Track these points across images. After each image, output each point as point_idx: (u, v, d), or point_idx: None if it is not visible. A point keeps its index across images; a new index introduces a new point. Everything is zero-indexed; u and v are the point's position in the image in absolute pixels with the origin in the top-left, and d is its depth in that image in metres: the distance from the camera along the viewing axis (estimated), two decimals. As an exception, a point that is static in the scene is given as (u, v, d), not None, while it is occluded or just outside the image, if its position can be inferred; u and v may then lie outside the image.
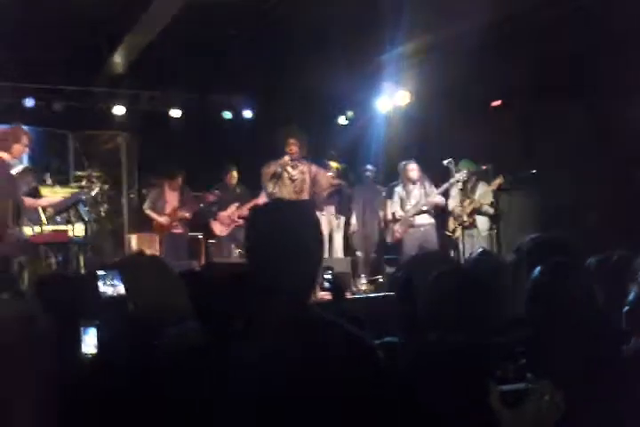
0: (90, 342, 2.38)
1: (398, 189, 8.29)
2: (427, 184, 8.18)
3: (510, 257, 3.63)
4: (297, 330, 1.72)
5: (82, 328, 2.38)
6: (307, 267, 1.79)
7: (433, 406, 1.98)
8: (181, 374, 1.93)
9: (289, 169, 6.84)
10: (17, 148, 6.07)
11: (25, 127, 6.41)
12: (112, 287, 2.39)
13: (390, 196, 8.46)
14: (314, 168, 6.89)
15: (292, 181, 6.81)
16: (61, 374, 2.10)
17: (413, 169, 8.12)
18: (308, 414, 1.63)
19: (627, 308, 2.29)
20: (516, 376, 1.95)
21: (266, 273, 1.76)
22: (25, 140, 6.12)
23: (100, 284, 2.43)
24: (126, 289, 2.31)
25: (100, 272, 2.43)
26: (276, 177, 6.84)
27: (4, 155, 6.03)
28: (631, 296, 2.29)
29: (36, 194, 7.33)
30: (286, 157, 6.81)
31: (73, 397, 2.03)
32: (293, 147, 6.81)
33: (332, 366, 1.67)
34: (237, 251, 8.68)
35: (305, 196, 6.82)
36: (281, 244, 1.72)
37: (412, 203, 8.13)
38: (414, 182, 8.16)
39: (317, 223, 1.84)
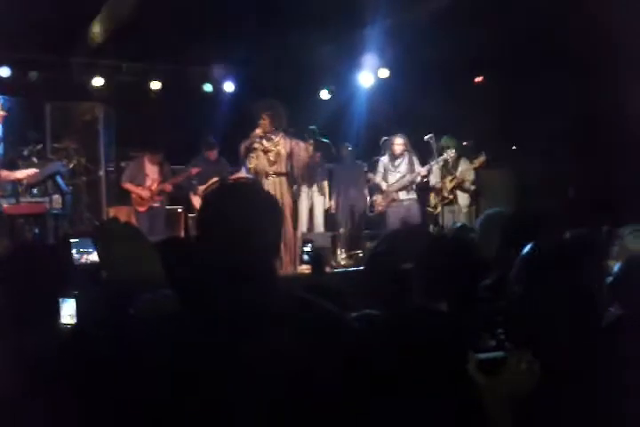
0: (67, 313, 2.35)
1: (384, 160, 8.24)
2: (414, 158, 8.13)
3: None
4: (263, 307, 1.70)
5: (59, 299, 2.35)
6: (263, 248, 1.76)
7: (413, 376, 1.98)
8: (156, 341, 1.91)
9: (263, 142, 6.73)
10: None
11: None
12: (85, 255, 2.36)
13: (374, 168, 8.44)
14: (291, 141, 6.78)
15: (266, 152, 6.71)
16: (40, 346, 2.08)
17: (398, 143, 8.06)
18: (278, 387, 1.62)
19: (611, 279, 2.30)
20: (494, 345, 1.96)
21: (220, 257, 1.73)
22: None
23: (73, 252, 2.40)
24: (99, 257, 2.27)
25: (74, 240, 2.39)
26: (250, 150, 6.76)
27: None
28: (616, 268, 2.30)
29: (12, 165, 7.24)
30: (257, 130, 6.70)
31: (52, 368, 2.01)
32: (266, 119, 6.67)
33: (302, 339, 1.65)
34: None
35: (282, 168, 6.74)
36: (229, 227, 1.70)
37: (397, 176, 8.10)
38: (399, 156, 8.11)
39: (268, 203, 1.81)
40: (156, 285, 2.19)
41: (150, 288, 2.16)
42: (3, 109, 5.99)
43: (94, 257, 2.29)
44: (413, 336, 2.15)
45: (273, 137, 6.71)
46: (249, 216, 1.70)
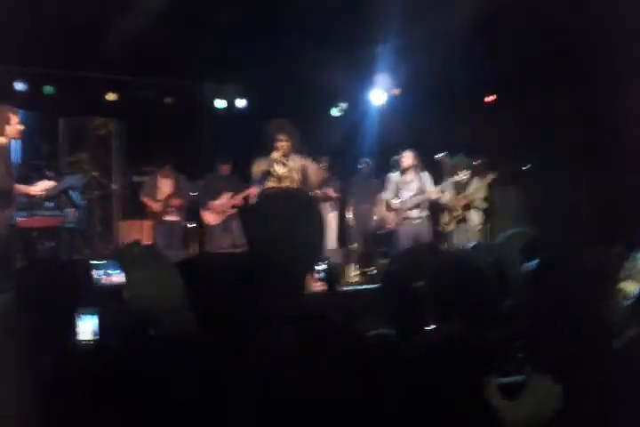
0: (86, 330, 2.36)
1: (394, 177, 8.14)
2: (426, 176, 7.98)
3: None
4: (290, 321, 1.72)
5: (77, 315, 2.36)
6: (306, 255, 1.79)
7: (430, 398, 1.98)
8: (175, 361, 1.92)
9: (276, 167, 6.61)
10: (9, 129, 5.88)
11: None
12: (107, 276, 2.38)
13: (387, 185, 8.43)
14: (303, 164, 6.66)
15: (280, 179, 6.61)
16: (57, 361, 2.09)
17: (406, 157, 7.96)
18: (299, 403, 1.63)
19: (630, 301, 2.29)
20: (514, 369, 1.96)
21: (265, 259, 1.75)
22: (14, 119, 5.89)
23: (94, 272, 2.42)
24: (125, 278, 2.30)
25: (96, 261, 2.42)
26: (265, 175, 6.61)
27: None
28: (637, 290, 2.29)
29: (26, 179, 7.28)
30: (275, 154, 6.54)
31: (68, 382, 2.02)
32: (283, 143, 6.52)
33: (327, 354, 1.67)
34: (230, 240, 8.64)
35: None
36: (282, 231, 1.71)
37: (409, 194, 7.97)
38: (409, 171, 8.02)
39: (319, 212, 1.83)
40: (177, 305, 2.20)
41: (171, 309, 2.18)
42: (20, 123, 6.00)
43: (117, 278, 2.31)
44: (432, 359, 2.15)
45: (287, 162, 6.58)
46: (293, 220, 1.72)
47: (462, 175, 7.93)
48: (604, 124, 7.38)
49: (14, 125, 5.91)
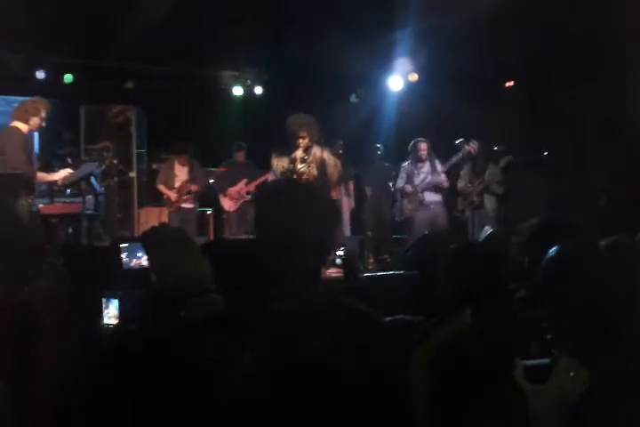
0: (111, 314, 2.41)
1: (406, 165, 8.29)
2: (436, 162, 8.19)
3: (515, 239, 3.64)
4: (308, 308, 1.74)
5: (104, 299, 2.41)
6: (318, 245, 1.80)
7: (458, 382, 2.01)
8: (204, 344, 1.95)
9: (299, 166, 6.70)
10: (35, 120, 6.15)
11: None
12: (135, 259, 2.42)
13: (397, 175, 8.47)
14: (321, 156, 6.69)
15: (300, 175, 6.68)
16: (84, 345, 2.13)
17: (422, 148, 8.12)
18: (323, 388, 1.66)
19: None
20: (541, 352, 1.96)
21: (276, 251, 1.77)
22: (43, 113, 6.21)
23: (123, 256, 2.46)
24: (149, 261, 2.33)
25: (124, 244, 2.45)
26: (286, 172, 6.71)
27: (22, 126, 6.10)
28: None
29: (48, 167, 7.37)
30: (298, 153, 6.63)
31: (95, 367, 2.06)
32: (304, 140, 6.57)
33: (346, 343, 1.69)
34: (246, 226, 8.71)
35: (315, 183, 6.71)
36: (294, 221, 1.73)
37: (421, 177, 8.14)
38: (422, 160, 8.17)
39: (332, 202, 1.85)
40: (205, 288, 2.24)
41: (199, 291, 2.21)
42: (45, 120, 6.26)
43: (144, 262, 2.35)
44: (455, 343, 2.18)
45: (307, 157, 6.64)
46: (302, 215, 1.74)
47: (461, 154, 7.98)
48: (625, 110, 7.33)
49: (40, 120, 6.18)
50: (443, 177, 8.15)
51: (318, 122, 6.73)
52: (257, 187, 8.55)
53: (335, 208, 1.86)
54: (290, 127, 6.65)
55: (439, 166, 8.18)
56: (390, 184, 8.74)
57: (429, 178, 8.12)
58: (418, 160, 8.19)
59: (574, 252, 2.16)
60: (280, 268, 1.75)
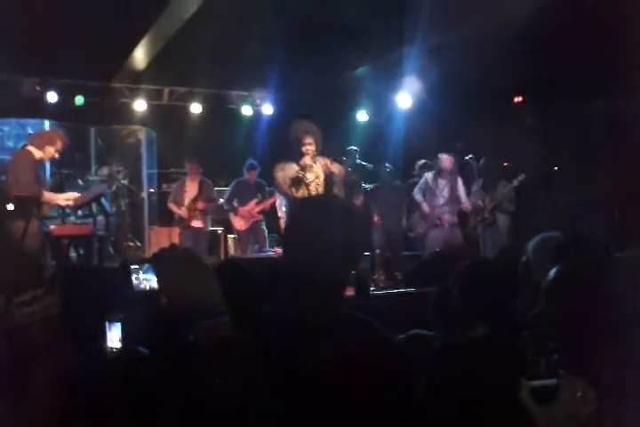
0: (114, 337, 2.38)
1: (429, 177, 8.25)
2: (458, 183, 8.16)
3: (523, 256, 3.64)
4: (327, 327, 1.74)
5: (107, 323, 2.38)
6: (345, 264, 1.81)
7: (465, 400, 1.99)
8: (214, 366, 1.95)
9: (307, 175, 6.51)
10: (49, 150, 6.38)
11: (47, 122, 6.59)
12: (145, 281, 2.41)
13: (413, 189, 8.45)
14: (325, 165, 6.57)
15: (308, 184, 6.54)
16: (86, 369, 2.12)
17: (445, 159, 8.09)
18: (335, 409, 1.65)
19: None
20: (547, 372, 1.95)
21: (303, 268, 1.77)
22: (59, 144, 6.46)
23: (133, 278, 2.45)
24: (159, 283, 2.32)
25: (133, 266, 2.45)
26: (294, 182, 6.45)
27: (36, 151, 6.27)
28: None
29: (58, 187, 7.42)
30: (306, 159, 6.42)
31: (97, 392, 2.06)
32: (310, 146, 6.38)
33: (362, 364, 1.69)
34: (256, 246, 8.71)
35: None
36: (324, 239, 1.74)
37: (440, 200, 8.09)
38: (444, 174, 8.13)
39: (350, 218, 1.86)
40: (216, 310, 2.23)
41: (210, 314, 2.21)
42: (59, 152, 6.51)
43: (154, 283, 2.35)
44: (466, 362, 2.17)
45: (313, 165, 6.49)
46: (336, 231, 1.74)
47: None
48: (632, 125, 7.31)
49: (54, 150, 6.42)
50: (464, 199, 8.13)
51: (322, 132, 6.62)
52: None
53: (363, 221, 1.88)
54: (295, 133, 6.49)
55: (462, 191, 8.13)
56: (401, 202, 8.75)
57: (449, 207, 8.09)
58: (440, 172, 8.18)
59: (577, 270, 2.14)
60: (308, 283, 1.75)
